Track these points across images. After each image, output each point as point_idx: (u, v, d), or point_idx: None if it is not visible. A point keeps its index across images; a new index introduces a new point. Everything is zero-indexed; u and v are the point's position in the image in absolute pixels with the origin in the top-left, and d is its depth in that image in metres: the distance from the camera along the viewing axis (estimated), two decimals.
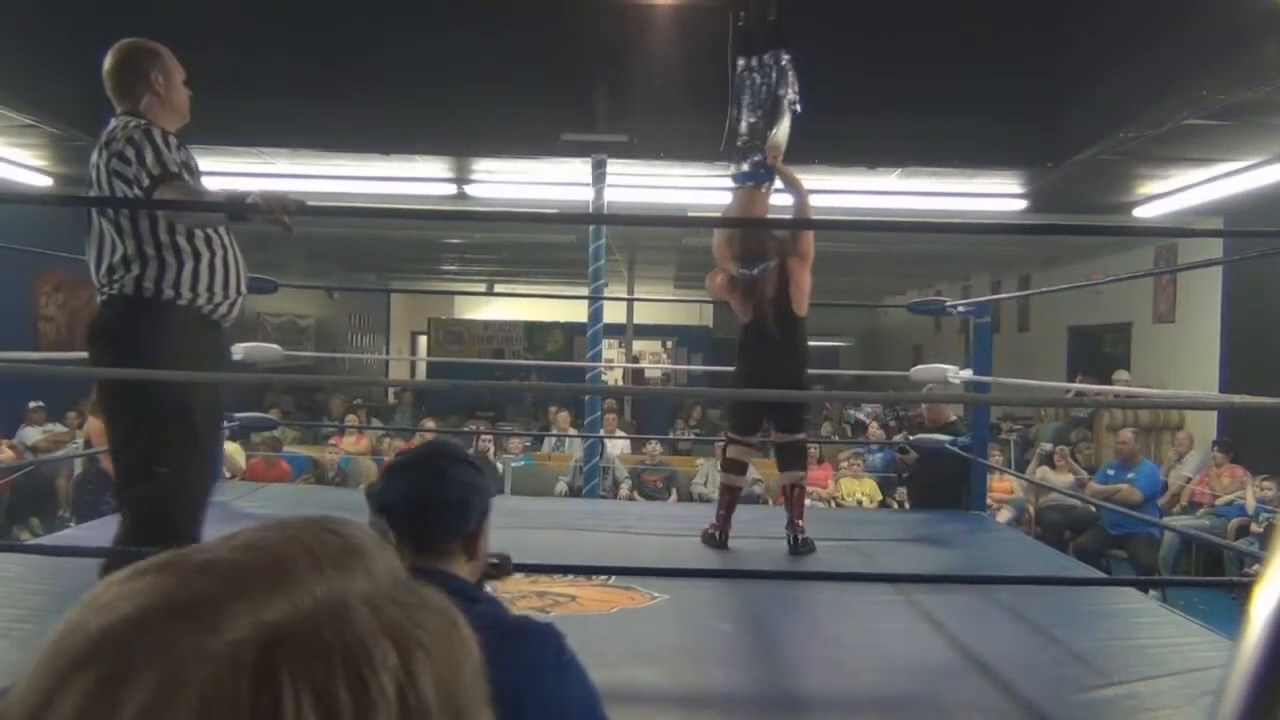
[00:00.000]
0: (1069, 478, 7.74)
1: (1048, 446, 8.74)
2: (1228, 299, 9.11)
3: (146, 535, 2.35)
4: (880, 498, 8.23)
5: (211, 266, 2.52)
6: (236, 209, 2.37)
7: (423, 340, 19.28)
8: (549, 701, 1.27)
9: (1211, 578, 6.80)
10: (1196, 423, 9.27)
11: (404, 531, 1.41)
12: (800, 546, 4.05)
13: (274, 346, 5.03)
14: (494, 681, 1.21)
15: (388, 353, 19.41)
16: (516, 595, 3.18)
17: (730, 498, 4.23)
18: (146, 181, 2.42)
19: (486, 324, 17.60)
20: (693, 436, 10.20)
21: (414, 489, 1.43)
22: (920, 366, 5.47)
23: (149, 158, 2.42)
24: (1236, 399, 3.76)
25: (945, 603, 3.20)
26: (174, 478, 2.40)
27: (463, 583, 1.39)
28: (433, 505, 1.42)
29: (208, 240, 2.52)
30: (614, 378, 10.83)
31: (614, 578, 3.40)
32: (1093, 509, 7.34)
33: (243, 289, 2.63)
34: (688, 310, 17.89)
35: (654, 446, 8.98)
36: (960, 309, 5.03)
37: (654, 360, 18.14)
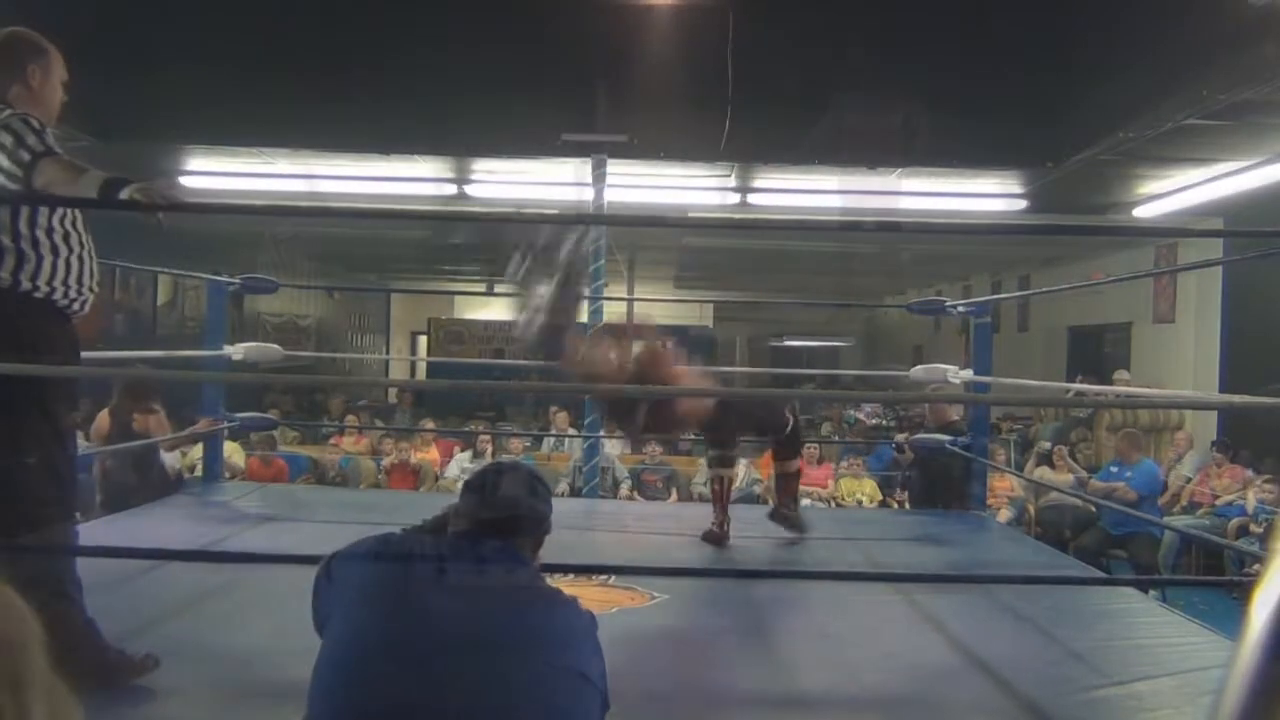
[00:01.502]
0: (1068, 477, 7.75)
1: (1046, 445, 8.74)
2: (1228, 299, 9.12)
3: (21, 525, 2.39)
4: (880, 498, 8.24)
5: (68, 262, 2.50)
6: (110, 201, 2.35)
7: (423, 340, 19.28)
8: (592, 649, 1.69)
9: (1211, 578, 6.80)
10: (1197, 423, 9.28)
11: (491, 517, 1.77)
12: (779, 515, 4.15)
13: (274, 347, 5.03)
14: (555, 627, 1.67)
15: (388, 353, 19.41)
16: None
17: (719, 487, 4.24)
18: (28, 158, 2.38)
19: (486, 324, 17.57)
20: (693, 435, 10.20)
21: (511, 490, 1.81)
22: (920, 366, 5.46)
23: (30, 139, 2.40)
24: (1237, 399, 3.76)
25: (945, 602, 3.20)
26: (41, 468, 2.41)
27: (517, 553, 1.77)
28: (521, 507, 1.80)
29: (66, 236, 2.51)
30: None
31: (614, 578, 3.40)
32: (1093, 509, 7.35)
33: (96, 286, 2.62)
34: (688, 310, 17.91)
35: (654, 446, 8.97)
36: (960, 309, 5.03)
37: None
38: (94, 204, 2.40)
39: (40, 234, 2.46)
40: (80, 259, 2.55)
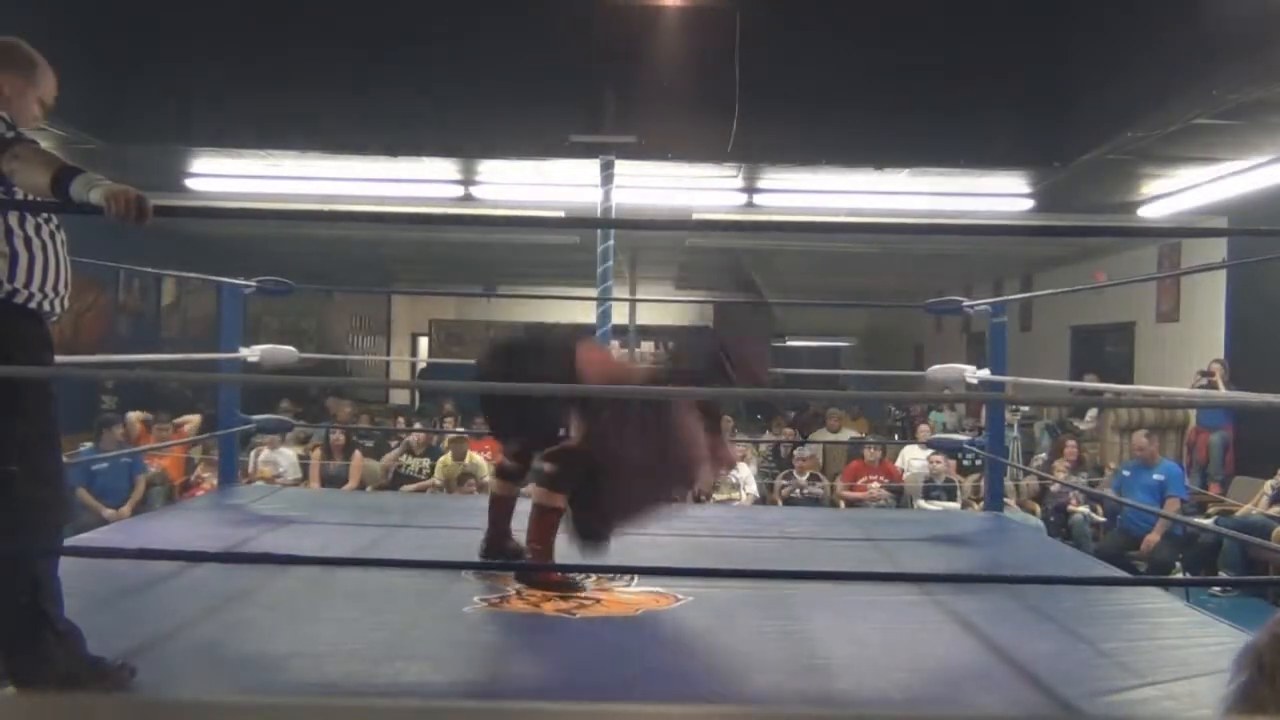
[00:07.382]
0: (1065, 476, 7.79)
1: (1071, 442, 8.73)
2: (1232, 297, 9.13)
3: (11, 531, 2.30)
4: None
5: (44, 264, 2.38)
6: (77, 204, 2.18)
7: (424, 341, 19.25)
8: None
9: (1237, 577, 6.72)
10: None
11: None
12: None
13: (289, 349, 5.01)
14: None
15: (389, 354, 19.38)
16: (541, 598, 3.18)
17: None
18: None
19: (488, 325, 17.57)
20: None
21: None
22: (937, 367, 5.42)
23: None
24: (1255, 397, 3.76)
25: (968, 602, 3.20)
26: (28, 475, 2.29)
27: None
28: None
29: (39, 232, 2.39)
30: None
31: (636, 580, 3.40)
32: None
33: (68, 286, 2.48)
34: (690, 311, 17.96)
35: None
36: (978, 309, 5.00)
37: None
38: (62, 207, 2.22)
39: (13, 223, 2.35)
40: (50, 260, 2.41)
